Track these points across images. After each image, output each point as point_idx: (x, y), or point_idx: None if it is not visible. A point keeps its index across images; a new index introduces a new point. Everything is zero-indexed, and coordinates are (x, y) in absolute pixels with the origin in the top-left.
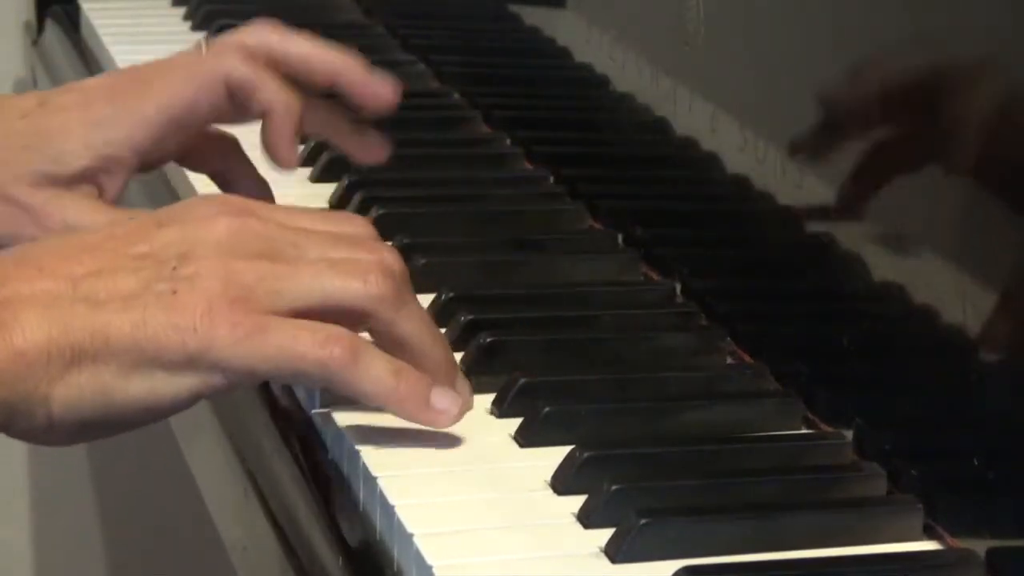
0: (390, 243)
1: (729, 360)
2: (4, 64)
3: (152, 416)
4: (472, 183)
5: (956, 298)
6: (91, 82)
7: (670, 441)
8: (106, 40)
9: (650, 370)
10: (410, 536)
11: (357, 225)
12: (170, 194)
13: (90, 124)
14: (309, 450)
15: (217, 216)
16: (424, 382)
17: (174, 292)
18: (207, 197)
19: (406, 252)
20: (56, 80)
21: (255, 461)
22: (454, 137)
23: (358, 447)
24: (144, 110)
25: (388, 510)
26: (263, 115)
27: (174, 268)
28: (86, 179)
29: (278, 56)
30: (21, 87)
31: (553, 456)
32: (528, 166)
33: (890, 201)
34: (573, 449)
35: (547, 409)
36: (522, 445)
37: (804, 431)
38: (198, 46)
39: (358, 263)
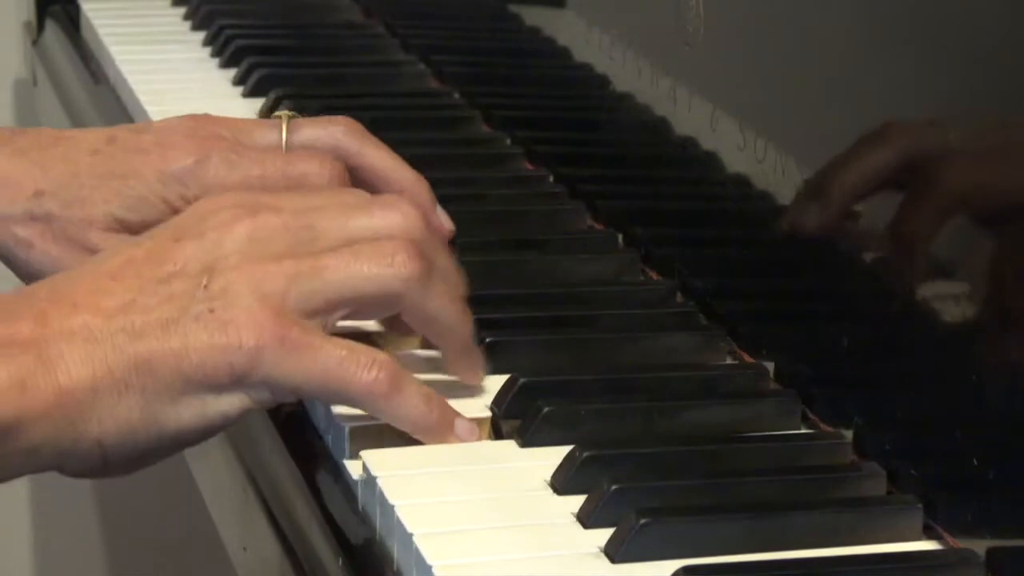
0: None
1: (729, 360)
2: (4, 64)
3: (205, 436)
4: (472, 183)
5: (956, 298)
6: (167, 127)
7: (670, 441)
8: (106, 40)
9: (650, 370)
10: (410, 536)
11: (372, 210)
12: None
13: (167, 176)
14: (309, 450)
15: (232, 221)
16: (449, 409)
17: (211, 311)
18: (214, 200)
19: None
20: (56, 80)
21: (255, 461)
22: (454, 137)
23: (359, 447)
24: (227, 179)
25: (388, 510)
26: None
27: (204, 286)
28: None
29: (354, 163)
30: (21, 87)
31: (553, 456)
32: (528, 166)
33: (890, 200)
34: (573, 449)
35: (547, 409)
36: (522, 445)
37: (804, 431)
38: (279, 127)
39: (382, 247)
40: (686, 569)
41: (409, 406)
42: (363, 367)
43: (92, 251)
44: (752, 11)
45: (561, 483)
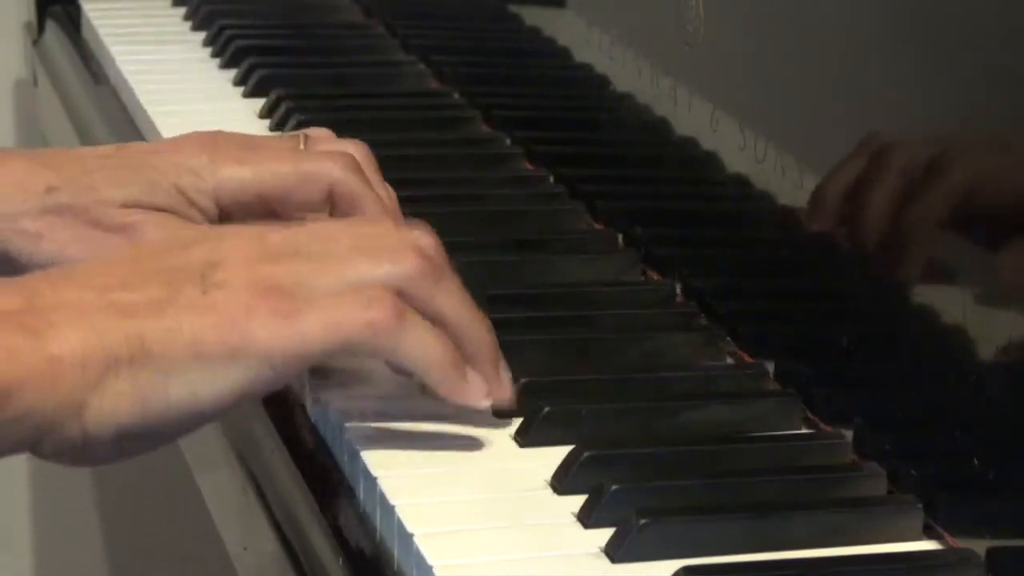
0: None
1: (729, 360)
2: (4, 64)
3: (194, 421)
4: (472, 183)
5: (956, 298)
6: (179, 136)
7: (670, 441)
8: (107, 40)
9: (650, 370)
10: (410, 536)
11: (384, 223)
12: None
13: (182, 167)
14: (309, 450)
15: (241, 232)
16: (462, 358)
17: (204, 293)
18: (228, 227)
19: None
20: (57, 80)
21: (255, 461)
22: (454, 137)
23: (358, 447)
24: (240, 174)
25: (388, 510)
26: None
27: (203, 276)
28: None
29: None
30: (21, 87)
31: (553, 456)
32: (528, 166)
33: (890, 200)
34: (573, 449)
35: (547, 409)
36: (522, 445)
37: (804, 431)
38: (296, 138)
39: (388, 246)
40: (686, 569)
41: (417, 340)
42: (360, 306)
43: (109, 228)
44: (752, 11)
45: (561, 483)
